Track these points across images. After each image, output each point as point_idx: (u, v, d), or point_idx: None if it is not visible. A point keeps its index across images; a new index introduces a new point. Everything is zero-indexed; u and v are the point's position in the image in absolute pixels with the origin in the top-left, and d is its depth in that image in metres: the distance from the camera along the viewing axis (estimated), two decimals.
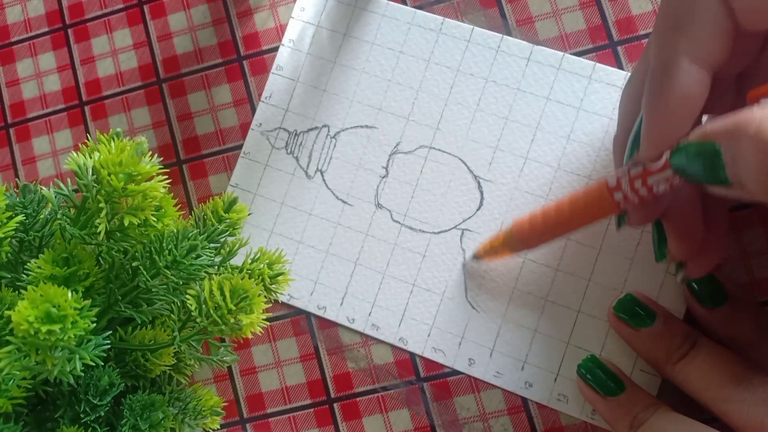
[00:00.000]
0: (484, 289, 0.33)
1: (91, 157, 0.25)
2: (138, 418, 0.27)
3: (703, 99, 0.23)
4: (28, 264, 0.25)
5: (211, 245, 0.28)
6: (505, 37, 0.35)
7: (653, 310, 0.29)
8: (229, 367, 0.35)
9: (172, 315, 0.28)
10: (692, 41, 0.23)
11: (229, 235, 0.31)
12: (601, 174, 0.33)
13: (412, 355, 0.34)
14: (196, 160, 0.37)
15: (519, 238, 0.30)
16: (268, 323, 0.34)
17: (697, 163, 0.21)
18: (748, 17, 0.22)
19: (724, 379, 0.26)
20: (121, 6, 0.38)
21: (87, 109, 0.38)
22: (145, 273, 0.26)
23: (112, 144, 0.25)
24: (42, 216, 0.28)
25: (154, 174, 0.25)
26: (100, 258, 0.27)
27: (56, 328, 0.21)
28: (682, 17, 0.23)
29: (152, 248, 0.26)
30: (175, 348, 0.27)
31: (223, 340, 0.33)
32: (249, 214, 0.35)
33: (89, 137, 0.35)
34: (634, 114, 0.26)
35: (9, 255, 0.27)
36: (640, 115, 0.25)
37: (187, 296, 0.26)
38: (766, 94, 0.21)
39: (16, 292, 0.25)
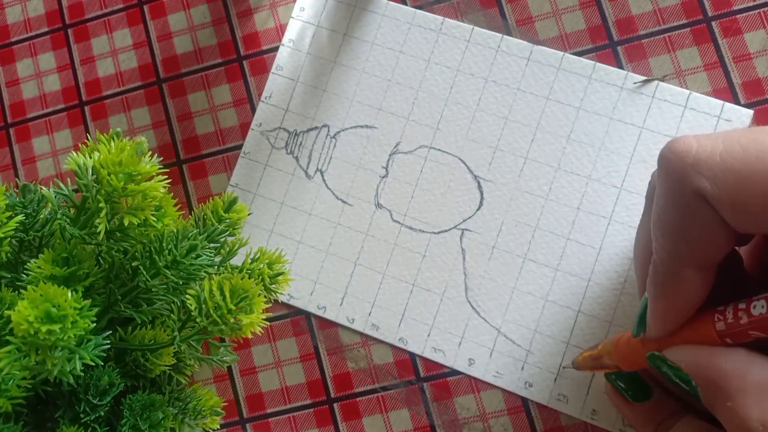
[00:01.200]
0: (484, 289, 0.33)
1: (91, 157, 0.25)
2: (138, 418, 0.27)
3: (707, 292, 0.24)
4: (28, 264, 0.25)
5: (211, 245, 0.28)
6: (505, 37, 0.35)
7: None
8: (229, 367, 0.35)
9: (172, 315, 0.28)
10: (695, 253, 0.23)
11: (229, 235, 0.31)
12: (601, 174, 0.33)
13: (412, 355, 0.34)
14: (196, 160, 0.37)
15: (618, 357, 0.28)
16: (268, 323, 0.34)
17: (671, 375, 0.24)
18: (741, 227, 0.22)
19: None
20: (121, 6, 0.38)
21: (87, 109, 0.38)
22: (145, 273, 0.26)
23: (112, 144, 0.25)
24: (42, 216, 0.28)
25: (154, 174, 0.25)
26: (100, 258, 0.27)
27: (56, 327, 0.21)
28: (684, 231, 0.23)
29: (152, 248, 0.26)
30: (175, 348, 0.27)
31: (223, 340, 0.33)
32: (249, 214, 0.35)
33: (89, 137, 0.35)
34: (647, 266, 0.26)
35: (9, 255, 0.27)
36: (644, 299, 0.26)
37: (187, 296, 0.26)
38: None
39: (16, 292, 0.25)
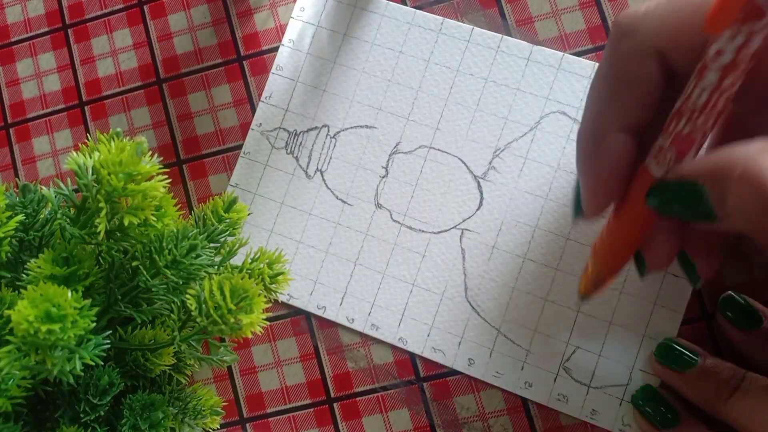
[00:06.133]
0: (484, 289, 0.33)
1: (91, 157, 0.25)
2: (138, 418, 0.27)
3: (632, 160, 0.24)
4: (28, 264, 0.25)
5: (211, 245, 0.28)
6: (505, 37, 0.35)
7: (694, 349, 0.29)
8: (229, 367, 0.35)
9: (172, 315, 0.28)
10: (622, 112, 0.24)
11: (229, 235, 0.31)
12: None
13: (412, 355, 0.34)
14: (196, 160, 0.37)
15: (598, 261, 0.28)
16: (268, 323, 0.34)
17: (677, 202, 0.23)
18: (685, 67, 0.23)
19: None
20: (121, 6, 0.38)
21: (87, 109, 0.38)
22: (145, 273, 0.26)
23: (112, 144, 0.25)
24: (42, 216, 0.28)
25: (154, 174, 0.25)
26: (100, 258, 0.27)
27: (56, 327, 0.21)
28: (619, 85, 0.24)
29: (152, 248, 0.26)
30: (175, 348, 0.27)
31: (223, 340, 0.33)
32: (249, 214, 0.35)
33: (89, 137, 0.35)
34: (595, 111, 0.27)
35: (9, 255, 0.27)
36: (576, 181, 0.27)
37: (187, 296, 0.26)
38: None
39: (16, 291, 0.25)
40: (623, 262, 0.27)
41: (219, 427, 0.33)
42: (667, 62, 0.23)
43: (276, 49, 0.37)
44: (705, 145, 0.24)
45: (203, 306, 0.25)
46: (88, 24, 0.38)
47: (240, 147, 0.36)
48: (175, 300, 0.27)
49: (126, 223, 0.25)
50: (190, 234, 0.26)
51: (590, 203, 0.26)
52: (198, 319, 0.25)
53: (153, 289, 0.26)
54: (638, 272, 0.27)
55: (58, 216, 0.27)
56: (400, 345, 0.34)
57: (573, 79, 0.34)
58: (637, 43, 0.23)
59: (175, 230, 0.26)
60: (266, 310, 0.28)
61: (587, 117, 0.25)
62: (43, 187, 0.29)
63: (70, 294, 0.22)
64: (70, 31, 0.39)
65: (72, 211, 0.27)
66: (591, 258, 0.28)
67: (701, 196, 0.21)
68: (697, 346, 0.30)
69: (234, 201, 0.31)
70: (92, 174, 0.24)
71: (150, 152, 0.26)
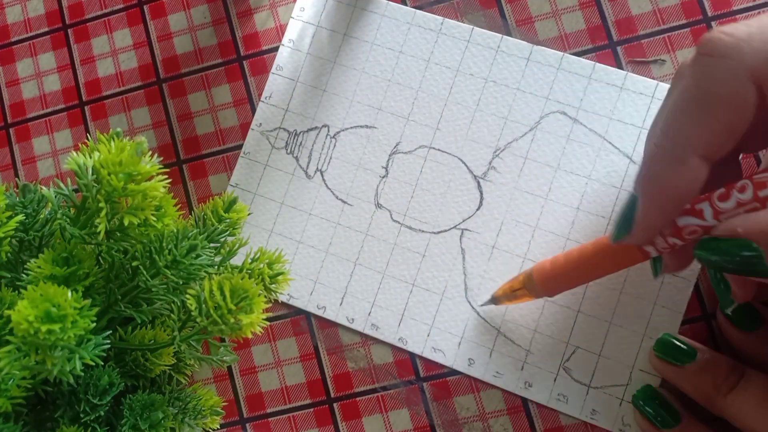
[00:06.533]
0: (484, 289, 0.33)
1: (91, 157, 0.25)
2: (138, 418, 0.27)
3: (700, 189, 0.23)
4: (28, 264, 0.25)
5: (211, 245, 0.28)
6: (505, 37, 0.35)
7: (693, 345, 0.29)
8: (229, 367, 0.35)
9: (172, 315, 0.28)
10: (709, 138, 0.23)
11: (229, 235, 0.31)
12: (601, 174, 0.33)
13: (412, 355, 0.34)
14: (196, 160, 0.37)
15: (540, 283, 0.29)
16: (268, 323, 0.34)
17: (729, 258, 0.22)
18: None
19: None
20: (121, 6, 0.38)
21: (87, 109, 0.38)
22: (145, 273, 0.26)
23: (112, 144, 0.25)
24: (42, 216, 0.28)
25: (154, 174, 0.25)
26: (100, 258, 0.27)
27: (56, 327, 0.21)
28: (708, 107, 0.22)
29: (152, 248, 0.26)
30: (175, 348, 0.27)
31: (223, 340, 0.33)
32: (249, 214, 0.35)
33: (89, 137, 0.35)
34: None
35: (9, 255, 0.27)
36: (630, 196, 0.25)
37: (187, 296, 0.26)
38: None
39: (16, 291, 0.25)
40: (555, 292, 0.29)
41: (219, 427, 0.33)
42: (764, 92, 0.22)
43: (276, 49, 0.37)
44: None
45: (203, 306, 0.25)
46: (88, 24, 0.38)
47: (240, 147, 0.36)
48: (175, 300, 0.27)
49: (126, 223, 0.25)
50: (190, 234, 0.26)
51: (646, 227, 0.24)
52: (198, 319, 0.25)
53: (153, 289, 0.26)
54: (653, 272, 0.27)
55: (58, 216, 0.27)
56: (400, 345, 0.34)
57: (573, 79, 0.34)
58: (737, 65, 0.22)
59: (175, 230, 0.26)
60: (266, 310, 0.28)
61: (666, 137, 0.24)
62: (43, 187, 0.29)
63: (70, 294, 0.22)
64: (70, 31, 0.39)
65: (72, 211, 0.27)
66: (529, 273, 0.30)
67: (758, 257, 0.21)
68: (696, 342, 0.30)
69: (234, 201, 0.31)
70: (92, 174, 0.24)
71: (150, 152, 0.26)
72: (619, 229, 0.26)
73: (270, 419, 0.34)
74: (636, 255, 0.26)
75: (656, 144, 0.24)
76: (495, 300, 0.32)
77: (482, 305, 0.33)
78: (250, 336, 0.26)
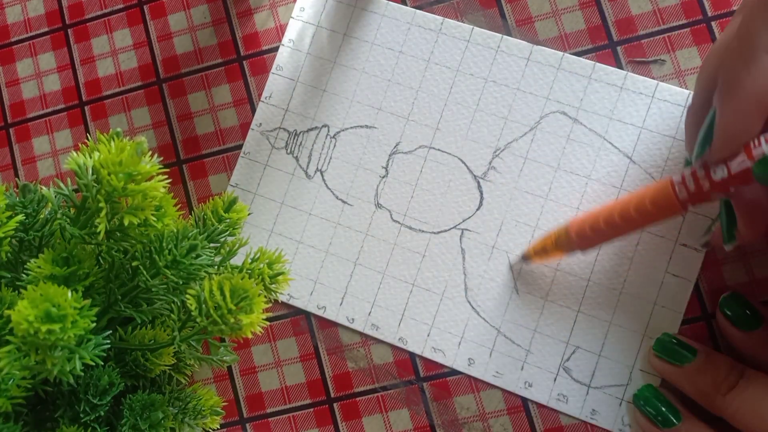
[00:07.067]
0: (483, 289, 0.33)
1: (91, 157, 0.25)
2: (138, 418, 0.27)
3: None
4: (28, 264, 0.25)
5: (211, 245, 0.28)
6: (505, 37, 0.35)
7: (693, 344, 0.29)
8: (229, 367, 0.35)
9: (172, 315, 0.28)
10: None
11: (229, 235, 0.31)
12: (601, 174, 0.33)
13: (412, 354, 0.34)
14: (196, 160, 0.37)
15: (577, 239, 0.29)
16: (268, 323, 0.34)
17: None
18: None
19: None
20: (121, 6, 0.38)
21: (87, 109, 0.38)
22: (145, 273, 0.26)
23: (112, 144, 0.25)
24: (42, 216, 0.28)
25: (154, 174, 0.25)
26: (100, 258, 0.27)
27: (56, 327, 0.21)
28: None
29: (152, 248, 0.26)
30: (175, 348, 0.27)
31: (223, 340, 0.33)
32: (249, 214, 0.35)
33: (89, 137, 0.35)
34: (710, 91, 0.25)
35: (9, 255, 0.27)
36: (712, 111, 0.24)
37: (187, 296, 0.26)
38: None
39: (16, 291, 0.25)
40: (592, 244, 0.28)
41: (219, 427, 0.33)
42: None
43: (276, 49, 0.37)
44: None
45: (203, 306, 0.25)
46: (88, 24, 0.38)
47: (240, 147, 0.36)
48: (175, 300, 0.27)
49: (126, 223, 0.25)
50: (190, 234, 0.26)
51: (726, 136, 0.23)
52: (198, 319, 0.25)
53: (153, 289, 0.26)
54: (725, 240, 0.27)
55: (58, 216, 0.27)
56: (400, 345, 0.34)
57: (573, 79, 0.34)
58: None
59: (175, 230, 0.26)
60: (266, 310, 0.28)
61: (738, 40, 0.23)
62: (43, 187, 0.29)
63: (70, 294, 0.22)
64: (70, 31, 0.39)
65: (72, 211, 0.27)
66: (564, 230, 0.29)
67: None
68: (696, 342, 0.30)
69: (234, 201, 0.31)
70: (92, 174, 0.24)
71: (150, 152, 0.26)
72: (702, 144, 0.25)
73: (270, 419, 0.34)
74: (675, 206, 0.26)
75: (729, 47, 0.23)
76: (526, 258, 0.32)
77: (513, 264, 0.33)
78: (250, 336, 0.26)
